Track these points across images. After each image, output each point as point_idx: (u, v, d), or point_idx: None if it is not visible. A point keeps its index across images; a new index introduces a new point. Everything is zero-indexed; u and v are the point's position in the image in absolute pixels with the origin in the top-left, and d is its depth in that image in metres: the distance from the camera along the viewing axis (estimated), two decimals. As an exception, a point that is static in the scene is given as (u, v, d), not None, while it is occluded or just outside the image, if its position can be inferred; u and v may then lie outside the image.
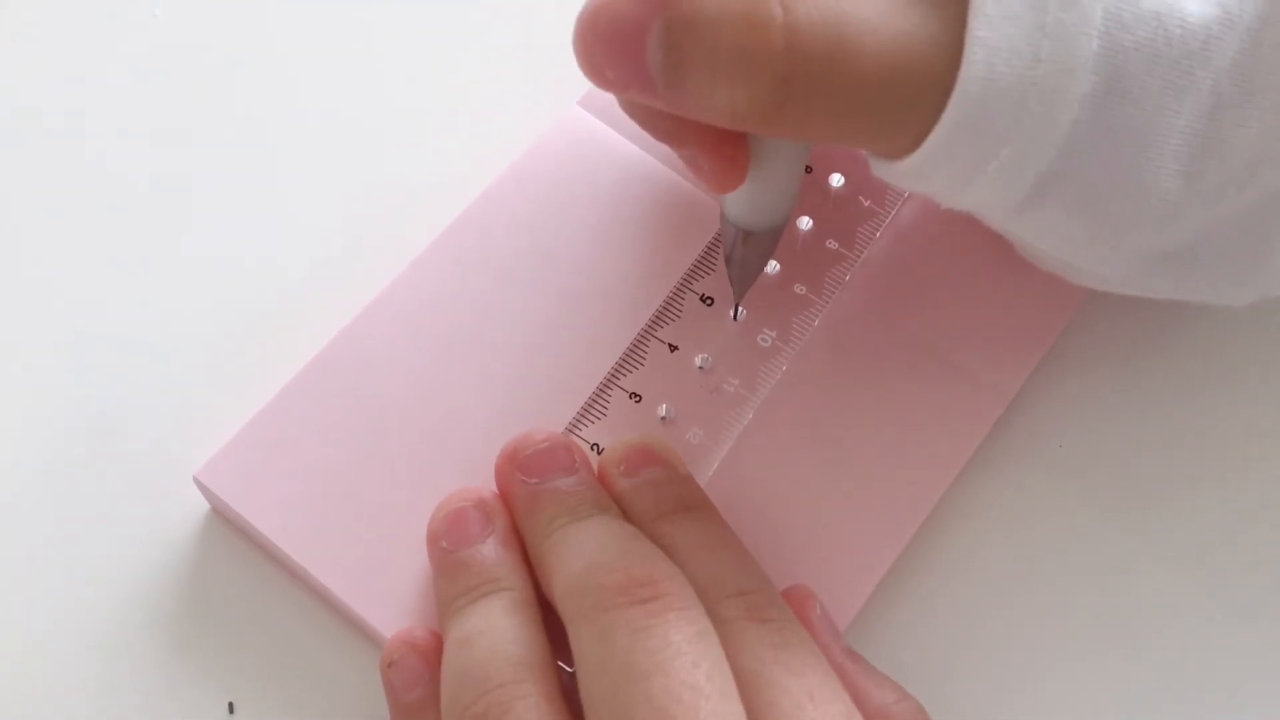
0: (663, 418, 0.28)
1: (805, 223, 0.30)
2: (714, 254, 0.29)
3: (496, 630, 0.23)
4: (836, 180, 0.30)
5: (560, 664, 0.24)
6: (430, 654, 0.24)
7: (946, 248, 0.30)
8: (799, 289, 0.29)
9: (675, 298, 0.29)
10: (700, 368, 0.28)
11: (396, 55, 0.34)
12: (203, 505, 0.28)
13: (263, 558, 0.27)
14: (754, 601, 0.23)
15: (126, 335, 0.30)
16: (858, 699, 0.23)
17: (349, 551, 0.26)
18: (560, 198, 0.30)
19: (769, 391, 0.28)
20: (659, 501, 0.25)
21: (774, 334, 0.29)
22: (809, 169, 0.30)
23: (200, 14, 0.34)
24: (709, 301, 0.29)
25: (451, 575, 0.25)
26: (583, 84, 0.31)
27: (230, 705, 0.26)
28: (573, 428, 0.27)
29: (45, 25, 0.34)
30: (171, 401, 0.29)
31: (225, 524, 0.28)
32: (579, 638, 0.22)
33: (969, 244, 0.30)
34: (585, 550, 0.23)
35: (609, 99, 0.31)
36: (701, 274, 0.29)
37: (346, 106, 0.33)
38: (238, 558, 0.27)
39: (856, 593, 0.27)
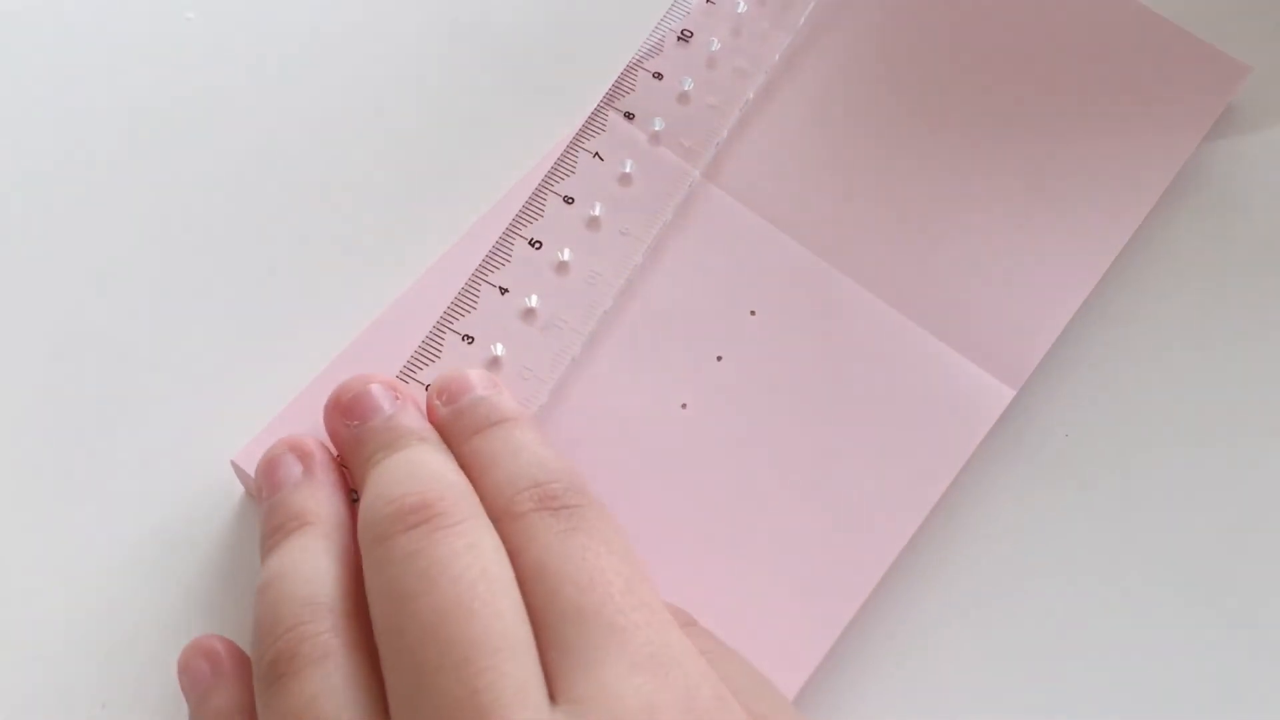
0: (496, 357, 0.28)
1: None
2: (541, 201, 0.30)
3: (289, 571, 0.23)
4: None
5: None
6: (215, 655, 0.24)
7: (956, 229, 0.31)
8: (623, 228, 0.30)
9: (504, 242, 0.30)
10: (531, 308, 0.29)
11: (421, 62, 0.34)
12: (238, 489, 0.28)
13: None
14: (547, 491, 0.23)
15: (163, 319, 0.30)
16: None
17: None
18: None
19: (769, 378, 0.29)
20: (474, 421, 0.25)
21: (599, 272, 0.29)
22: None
23: (230, 19, 0.35)
24: (537, 245, 0.30)
25: (263, 522, 0.25)
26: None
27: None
28: (406, 372, 0.28)
29: (83, 30, 0.34)
30: (208, 385, 0.30)
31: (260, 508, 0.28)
32: (366, 575, 0.22)
33: (980, 227, 0.31)
34: (379, 485, 0.23)
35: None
36: (530, 219, 0.30)
37: (380, 102, 0.34)
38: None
39: (862, 583, 0.27)
